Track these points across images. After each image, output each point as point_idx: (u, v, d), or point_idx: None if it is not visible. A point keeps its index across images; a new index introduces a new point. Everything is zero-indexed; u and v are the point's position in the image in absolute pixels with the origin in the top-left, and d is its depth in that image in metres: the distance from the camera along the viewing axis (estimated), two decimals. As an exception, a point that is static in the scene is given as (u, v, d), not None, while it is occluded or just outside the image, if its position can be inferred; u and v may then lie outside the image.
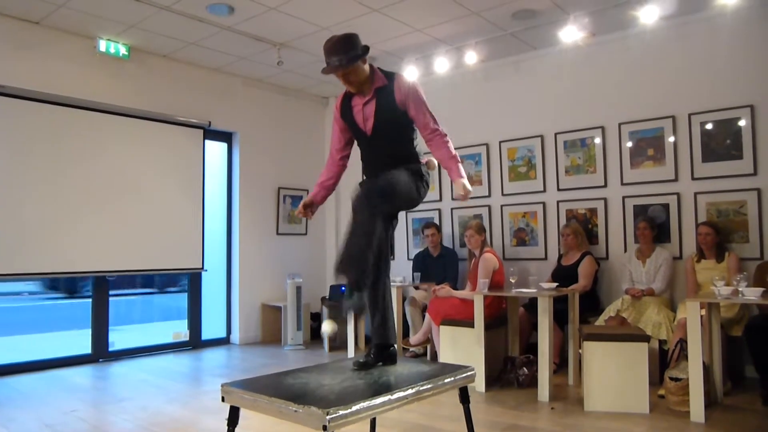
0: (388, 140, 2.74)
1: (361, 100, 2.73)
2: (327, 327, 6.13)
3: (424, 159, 2.81)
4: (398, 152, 2.75)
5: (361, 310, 2.48)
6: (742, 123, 4.81)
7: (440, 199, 6.63)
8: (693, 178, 5.04)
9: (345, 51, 2.56)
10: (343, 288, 2.44)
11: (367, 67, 2.68)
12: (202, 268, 6.49)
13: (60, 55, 5.44)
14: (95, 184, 5.64)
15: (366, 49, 2.63)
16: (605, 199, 5.52)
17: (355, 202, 2.47)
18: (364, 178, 2.85)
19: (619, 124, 5.44)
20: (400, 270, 6.51)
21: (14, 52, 5.17)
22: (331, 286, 6.74)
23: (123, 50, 5.75)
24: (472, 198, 6.16)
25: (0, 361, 5.26)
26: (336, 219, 7.67)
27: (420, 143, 2.82)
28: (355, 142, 2.88)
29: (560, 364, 4.95)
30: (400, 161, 2.73)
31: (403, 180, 2.62)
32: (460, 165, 2.69)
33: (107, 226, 5.70)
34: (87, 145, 5.61)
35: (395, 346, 2.80)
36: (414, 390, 2.33)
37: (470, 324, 4.56)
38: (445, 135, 2.73)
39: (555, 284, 4.61)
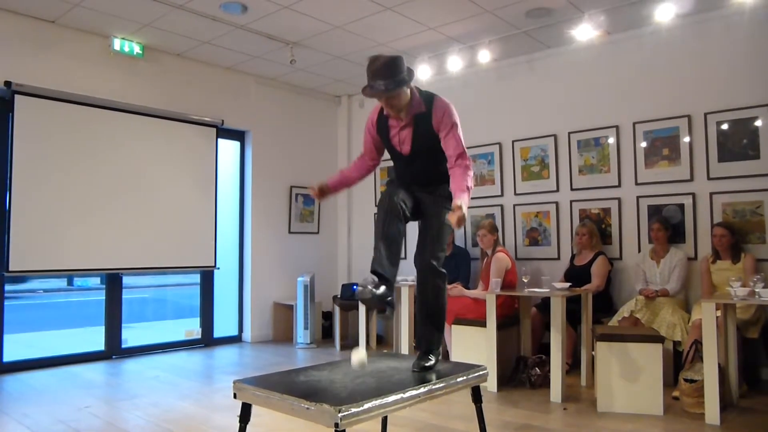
0: (423, 162, 2.73)
1: (397, 123, 2.69)
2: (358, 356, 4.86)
3: None
4: (433, 171, 2.74)
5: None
6: (759, 123, 4.74)
7: (452, 199, 6.58)
8: (709, 178, 4.98)
9: (392, 75, 2.48)
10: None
11: (408, 90, 2.60)
12: (215, 266, 6.52)
13: (75, 54, 5.48)
14: (109, 182, 5.68)
15: (411, 73, 2.55)
16: (619, 199, 5.47)
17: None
18: (395, 177, 2.89)
19: (634, 124, 5.39)
20: (412, 269, 6.44)
21: (31, 51, 5.22)
22: (343, 285, 6.74)
23: (137, 49, 5.79)
24: (484, 197, 6.28)
25: (14, 357, 5.31)
26: (348, 218, 7.68)
27: None
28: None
29: (573, 365, 4.92)
30: (435, 178, 2.74)
31: (444, 225, 2.65)
32: (465, 195, 2.53)
33: (121, 223, 5.74)
34: (100, 143, 5.65)
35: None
36: (426, 389, 2.32)
37: (482, 324, 4.54)
38: (469, 167, 2.62)
39: (568, 284, 4.57)
